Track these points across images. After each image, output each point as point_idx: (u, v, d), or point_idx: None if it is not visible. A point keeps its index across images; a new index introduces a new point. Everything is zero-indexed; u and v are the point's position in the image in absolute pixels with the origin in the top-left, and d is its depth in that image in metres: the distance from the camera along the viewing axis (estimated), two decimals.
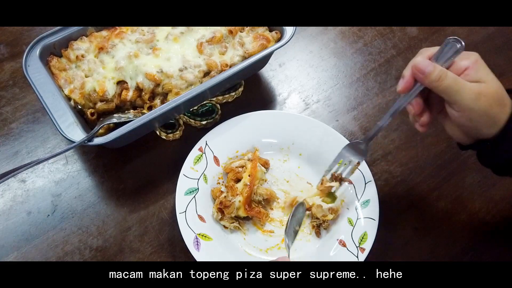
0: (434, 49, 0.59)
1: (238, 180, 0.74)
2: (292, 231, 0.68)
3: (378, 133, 0.66)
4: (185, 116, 0.83)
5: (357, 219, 0.72)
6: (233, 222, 0.72)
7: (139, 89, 0.76)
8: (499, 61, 0.95)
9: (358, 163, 0.70)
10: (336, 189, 0.72)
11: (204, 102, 0.84)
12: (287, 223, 0.68)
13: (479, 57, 0.57)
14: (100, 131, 0.72)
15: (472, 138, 0.60)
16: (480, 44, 0.97)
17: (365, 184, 0.74)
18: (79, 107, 0.75)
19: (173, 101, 0.72)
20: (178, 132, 0.82)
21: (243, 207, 0.71)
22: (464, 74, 0.57)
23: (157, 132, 0.82)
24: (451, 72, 0.56)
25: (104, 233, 0.73)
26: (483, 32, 0.99)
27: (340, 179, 0.71)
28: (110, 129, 0.73)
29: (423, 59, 0.57)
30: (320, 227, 0.73)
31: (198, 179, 0.74)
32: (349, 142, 0.72)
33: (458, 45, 0.58)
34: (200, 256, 0.67)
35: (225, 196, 0.72)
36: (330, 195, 0.73)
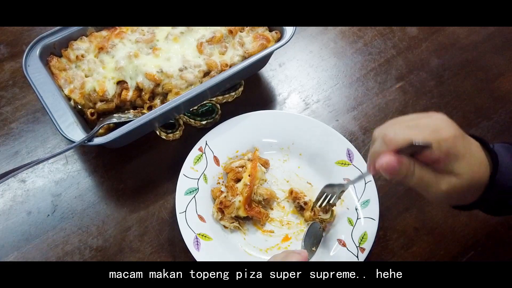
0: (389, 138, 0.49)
1: (238, 180, 0.74)
2: (309, 250, 0.68)
3: (356, 182, 0.67)
4: (185, 116, 0.83)
5: (357, 219, 0.72)
6: (233, 222, 0.72)
7: (139, 89, 0.76)
8: (499, 61, 0.95)
9: (343, 191, 0.70)
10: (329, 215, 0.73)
11: (204, 102, 0.84)
12: (302, 243, 0.68)
13: (451, 137, 0.48)
14: (100, 131, 0.72)
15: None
16: (480, 44, 0.97)
17: (365, 184, 0.74)
18: (79, 107, 0.75)
19: (173, 101, 0.72)
20: (178, 132, 0.82)
21: (243, 207, 0.71)
22: (435, 167, 0.49)
23: (157, 132, 0.81)
24: (418, 168, 0.49)
25: (104, 233, 0.73)
26: (483, 32, 0.99)
27: (330, 208, 0.72)
28: (110, 129, 0.73)
29: (388, 156, 0.49)
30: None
31: (198, 179, 0.74)
32: (327, 183, 0.71)
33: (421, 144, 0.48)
34: (200, 256, 0.67)
35: (225, 196, 0.72)
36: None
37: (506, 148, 0.54)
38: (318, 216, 0.72)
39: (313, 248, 0.69)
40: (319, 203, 0.72)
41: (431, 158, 0.48)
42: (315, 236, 0.70)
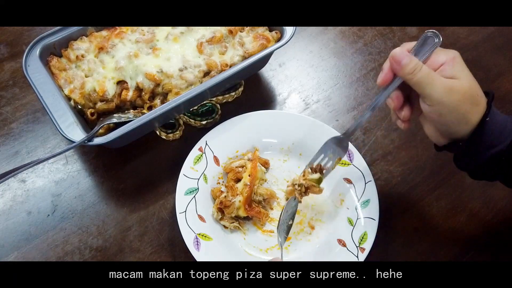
0: (412, 44, 0.60)
1: (238, 180, 0.74)
2: (285, 226, 0.68)
3: (358, 127, 0.66)
4: (185, 116, 0.83)
5: (357, 219, 0.72)
6: (233, 222, 0.72)
7: (139, 89, 0.76)
8: (499, 61, 0.95)
9: (339, 159, 0.69)
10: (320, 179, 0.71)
11: (204, 102, 0.84)
12: (279, 219, 0.68)
13: (458, 55, 0.57)
14: (100, 131, 0.72)
15: (446, 138, 0.59)
16: (480, 44, 0.97)
17: (365, 184, 0.74)
18: (79, 107, 0.75)
19: (173, 101, 0.72)
20: (178, 132, 0.82)
21: (243, 207, 0.71)
22: (440, 70, 0.57)
23: (157, 132, 0.81)
24: (426, 66, 0.56)
25: (104, 233, 0.73)
26: (483, 32, 0.99)
27: (320, 170, 0.70)
28: (110, 129, 0.73)
29: (402, 51, 0.58)
30: (304, 193, 0.71)
31: (198, 179, 0.74)
32: (332, 136, 0.70)
33: (436, 39, 0.58)
34: (200, 256, 0.67)
35: (225, 196, 0.72)
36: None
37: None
38: (307, 178, 0.70)
39: (290, 222, 0.69)
40: (315, 164, 0.70)
41: (438, 62, 0.57)
42: (291, 211, 0.70)
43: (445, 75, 0.56)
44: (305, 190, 0.70)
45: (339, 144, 0.69)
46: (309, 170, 0.70)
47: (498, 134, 0.56)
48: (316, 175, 0.70)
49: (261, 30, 0.82)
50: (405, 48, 0.59)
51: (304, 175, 0.71)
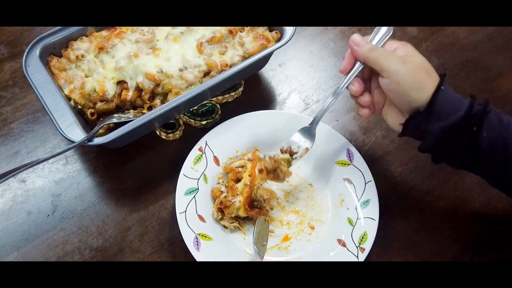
0: (368, 37, 0.68)
1: (238, 180, 0.74)
2: (260, 246, 0.68)
3: (323, 114, 0.71)
4: (185, 116, 0.83)
5: (357, 219, 0.72)
6: (233, 222, 0.72)
7: (139, 89, 0.76)
8: (499, 61, 0.95)
9: (307, 149, 0.71)
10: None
11: (204, 102, 0.84)
12: (253, 237, 0.68)
13: (409, 44, 0.65)
14: (100, 131, 0.72)
15: (405, 112, 0.63)
16: (480, 44, 0.97)
17: (365, 184, 0.75)
18: (79, 107, 0.75)
19: (173, 101, 0.72)
20: (178, 132, 0.82)
21: (243, 207, 0.71)
22: (393, 51, 0.65)
23: (157, 132, 0.82)
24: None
25: (104, 233, 0.73)
26: (483, 32, 0.99)
27: (290, 153, 0.71)
28: (110, 129, 0.73)
29: (359, 36, 0.66)
30: (271, 173, 0.69)
31: (198, 179, 0.74)
32: (300, 127, 0.72)
33: (388, 30, 0.67)
34: (200, 256, 0.67)
35: (225, 196, 0.72)
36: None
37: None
38: (276, 157, 0.69)
39: (264, 243, 0.70)
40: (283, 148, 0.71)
41: (392, 47, 0.65)
42: (264, 231, 0.70)
43: (398, 55, 0.63)
44: (274, 170, 0.69)
45: (307, 134, 0.71)
46: (279, 152, 0.71)
47: (451, 107, 0.60)
48: (286, 155, 0.71)
49: (261, 30, 0.82)
50: (362, 36, 0.67)
51: (273, 156, 0.70)
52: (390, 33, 0.67)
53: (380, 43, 0.67)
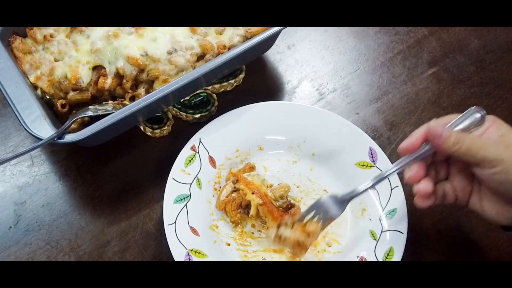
0: (450, 118, 0.64)
1: (246, 206, 0.74)
2: None
3: (360, 195, 0.67)
4: (174, 109, 0.83)
5: (382, 232, 0.72)
6: (239, 213, 0.73)
7: (119, 76, 0.76)
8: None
9: (330, 220, 0.67)
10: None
11: (198, 92, 0.84)
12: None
13: (497, 118, 0.62)
14: (73, 126, 0.72)
15: None
16: (481, 44, 0.96)
17: (391, 190, 0.74)
18: (48, 97, 0.76)
19: (160, 90, 0.72)
20: (166, 128, 0.81)
21: (275, 220, 0.72)
22: (485, 134, 0.62)
23: (141, 128, 0.81)
24: (467, 134, 0.61)
25: (78, 249, 0.73)
26: (484, 33, 0.98)
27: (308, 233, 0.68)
28: (85, 123, 0.73)
29: (437, 123, 0.62)
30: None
31: (191, 184, 0.74)
32: (330, 194, 0.69)
33: (478, 115, 0.62)
34: None
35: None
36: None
37: None
38: (306, 229, 0.67)
39: None
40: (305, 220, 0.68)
41: (481, 130, 0.61)
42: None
43: (494, 138, 0.61)
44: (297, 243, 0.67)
45: (337, 202, 0.67)
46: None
47: None
48: (315, 226, 0.67)
49: None
50: (441, 122, 0.64)
51: (296, 225, 0.67)
52: (482, 123, 0.62)
53: (466, 127, 0.62)
